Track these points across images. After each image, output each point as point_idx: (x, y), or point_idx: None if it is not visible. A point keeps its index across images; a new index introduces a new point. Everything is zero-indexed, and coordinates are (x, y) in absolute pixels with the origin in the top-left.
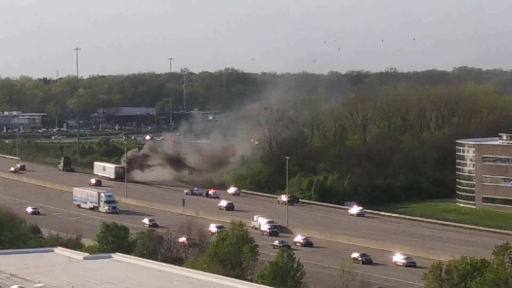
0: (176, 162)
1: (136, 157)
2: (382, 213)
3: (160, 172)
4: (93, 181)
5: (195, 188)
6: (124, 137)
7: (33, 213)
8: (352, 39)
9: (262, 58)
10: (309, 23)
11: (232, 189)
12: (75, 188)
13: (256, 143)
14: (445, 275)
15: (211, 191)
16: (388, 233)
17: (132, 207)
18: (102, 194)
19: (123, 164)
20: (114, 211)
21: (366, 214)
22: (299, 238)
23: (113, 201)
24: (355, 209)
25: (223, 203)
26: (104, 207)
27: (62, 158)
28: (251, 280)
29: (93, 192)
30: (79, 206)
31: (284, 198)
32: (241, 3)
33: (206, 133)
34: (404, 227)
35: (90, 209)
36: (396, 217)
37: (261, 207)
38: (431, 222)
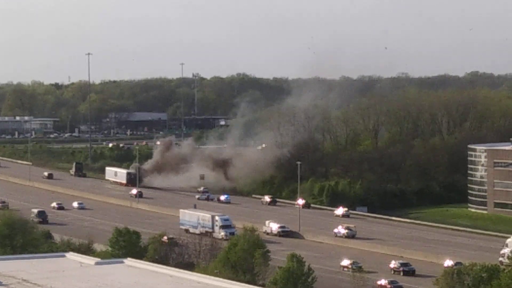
0: (220, 166)
1: (178, 159)
2: (367, 214)
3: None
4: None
5: (207, 193)
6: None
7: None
8: (364, 44)
9: (274, 63)
10: (321, 28)
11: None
12: (182, 211)
13: (263, 145)
14: (457, 278)
15: (222, 197)
16: (398, 238)
17: (144, 212)
18: (217, 218)
19: (156, 156)
20: (232, 237)
21: (351, 215)
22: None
23: (231, 226)
24: (340, 210)
25: (134, 191)
26: (220, 233)
27: (74, 163)
28: (263, 285)
29: (206, 215)
30: (187, 231)
31: (267, 198)
32: (254, 8)
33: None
34: (409, 232)
35: (201, 234)
36: (386, 218)
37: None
38: (441, 227)
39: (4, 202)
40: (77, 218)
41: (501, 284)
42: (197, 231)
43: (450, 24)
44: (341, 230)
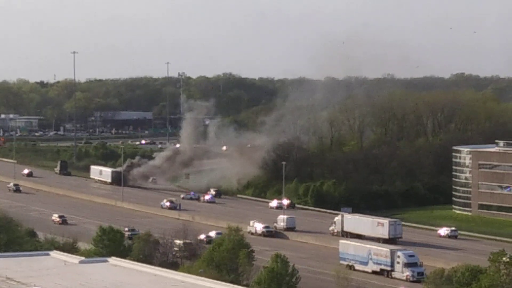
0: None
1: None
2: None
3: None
4: (25, 171)
5: (192, 193)
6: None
7: None
8: (349, 44)
9: (260, 63)
10: (309, 27)
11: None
12: (342, 242)
13: (248, 146)
14: (445, 281)
15: (207, 196)
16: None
17: (129, 211)
18: (400, 253)
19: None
20: (420, 278)
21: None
22: None
23: (417, 264)
24: (274, 203)
25: (26, 171)
26: (403, 273)
27: (59, 162)
28: (247, 285)
29: (382, 249)
30: (350, 267)
31: (213, 191)
32: (240, 7)
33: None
34: None
35: (374, 273)
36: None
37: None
38: (423, 228)
39: (134, 229)
40: None
41: (481, 286)
42: (368, 269)
43: (435, 26)
44: (165, 203)
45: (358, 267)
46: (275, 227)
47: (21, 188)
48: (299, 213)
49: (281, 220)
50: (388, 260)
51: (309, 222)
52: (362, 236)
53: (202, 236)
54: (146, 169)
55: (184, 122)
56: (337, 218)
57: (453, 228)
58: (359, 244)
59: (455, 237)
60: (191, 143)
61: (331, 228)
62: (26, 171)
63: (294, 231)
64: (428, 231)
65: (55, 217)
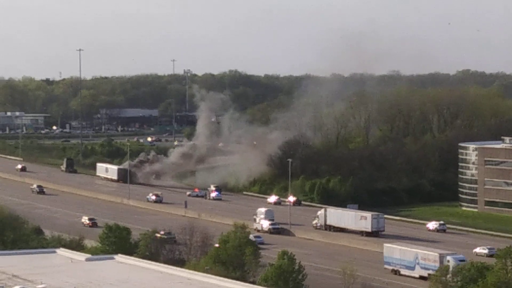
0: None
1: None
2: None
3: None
4: (19, 166)
5: (198, 190)
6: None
7: None
8: (354, 40)
9: (265, 60)
10: (314, 24)
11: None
12: (387, 245)
13: (254, 143)
14: (451, 278)
15: (213, 194)
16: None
17: (135, 208)
18: (449, 258)
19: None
20: None
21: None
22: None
23: None
24: (272, 198)
25: (19, 166)
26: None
27: (65, 159)
28: (253, 282)
29: (429, 253)
30: (396, 272)
31: (213, 187)
32: (246, 4)
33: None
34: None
35: (421, 278)
36: None
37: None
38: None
39: (170, 233)
40: None
41: (488, 283)
42: (415, 274)
43: (441, 22)
44: (151, 196)
45: (404, 272)
46: (254, 219)
47: (44, 190)
48: (303, 209)
49: (260, 213)
50: (437, 264)
51: (300, 216)
52: (345, 230)
53: None
54: (159, 166)
55: (199, 111)
56: (320, 212)
57: (441, 222)
58: (405, 248)
59: (444, 231)
60: (206, 139)
61: (314, 222)
62: (19, 166)
63: (273, 222)
64: (416, 225)
65: (84, 219)
